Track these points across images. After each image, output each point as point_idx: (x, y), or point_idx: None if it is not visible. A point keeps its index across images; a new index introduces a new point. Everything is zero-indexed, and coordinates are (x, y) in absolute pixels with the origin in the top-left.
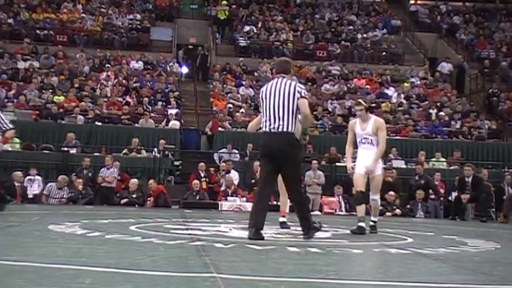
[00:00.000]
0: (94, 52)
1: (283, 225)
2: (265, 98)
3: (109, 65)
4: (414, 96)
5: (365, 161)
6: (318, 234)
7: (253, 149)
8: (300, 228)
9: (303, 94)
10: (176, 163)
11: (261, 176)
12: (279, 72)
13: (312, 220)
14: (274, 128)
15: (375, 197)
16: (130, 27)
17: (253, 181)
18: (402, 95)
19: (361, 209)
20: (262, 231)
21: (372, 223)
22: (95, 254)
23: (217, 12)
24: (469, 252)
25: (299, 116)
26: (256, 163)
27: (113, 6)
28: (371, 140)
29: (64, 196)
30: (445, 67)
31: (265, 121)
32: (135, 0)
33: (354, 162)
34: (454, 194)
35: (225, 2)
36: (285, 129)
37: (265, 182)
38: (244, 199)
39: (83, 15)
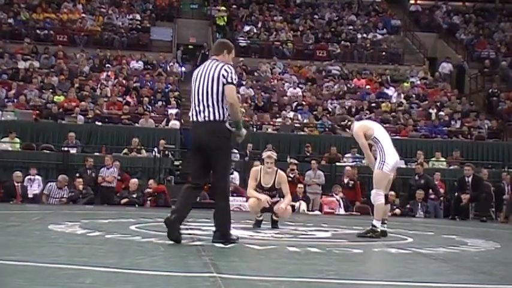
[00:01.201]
0: (94, 52)
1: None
2: (193, 83)
3: (109, 65)
4: (414, 96)
5: None
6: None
7: (253, 148)
8: (300, 228)
9: (229, 80)
10: (176, 163)
11: (191, 173)
12: (212, 54)
13: (229, 230)
14: (200, 117)
15: (371, 191)
16: (131, 27)
17: None
18: (402, 95)
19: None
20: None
21: (370, 226)
22: (95, 254)
23: (217, 18)
24: (469, 252)
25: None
26: (257, 163)
27: (113, 6)
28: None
29: (64, 196)
30: (446, 67)
31: (192, 109)
32: (135, 0)
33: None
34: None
35: (223, 8)
36: (211, 118)
37: (193, 177)
38: (245, 199)
39: (83, 15)
